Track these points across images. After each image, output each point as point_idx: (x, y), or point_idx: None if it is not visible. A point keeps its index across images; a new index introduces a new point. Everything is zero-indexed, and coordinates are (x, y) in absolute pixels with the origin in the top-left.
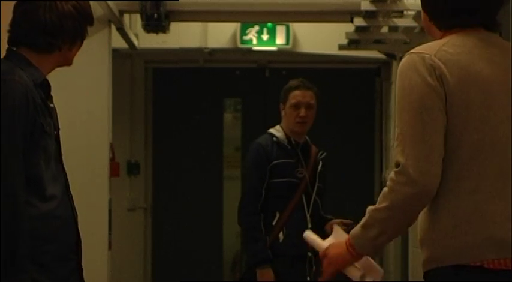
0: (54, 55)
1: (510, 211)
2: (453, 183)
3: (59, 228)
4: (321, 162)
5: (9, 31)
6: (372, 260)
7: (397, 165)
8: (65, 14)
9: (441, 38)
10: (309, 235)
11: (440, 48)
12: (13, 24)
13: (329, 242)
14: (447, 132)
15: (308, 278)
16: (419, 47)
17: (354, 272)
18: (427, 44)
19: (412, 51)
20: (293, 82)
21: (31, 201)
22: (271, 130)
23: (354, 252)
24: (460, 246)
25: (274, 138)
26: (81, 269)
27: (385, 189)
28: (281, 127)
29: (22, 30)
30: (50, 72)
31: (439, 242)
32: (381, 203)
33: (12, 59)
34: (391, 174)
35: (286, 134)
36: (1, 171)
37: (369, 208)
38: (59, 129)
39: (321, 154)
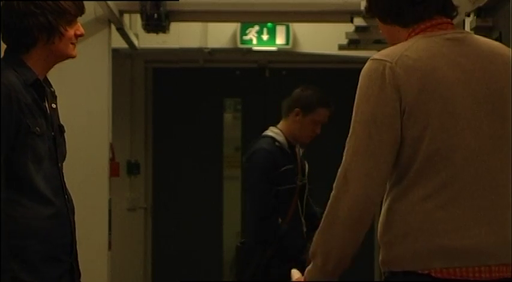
0: (35, 51)
1: (465, 219)
2: (408, 191)
3: (50, 229)
4: (306, 163)
5: None
6: None
7: (337, 177)
8: (24, 13)
9: (406, 39)
10: (294, 274)
11: (403, 54)
12: None
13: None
14: (404, 142)
15: None
16: (383, 52)
17: None
18: (390, 48)
19: (375, 56)
20: (322, 97)
21: (21, 201)
22: (271, 133)
23: None
24: (409, 253)
25: (277, 143)
26: (77, 271)
27: (327, 208)
28: (280, 130)
29: (2, 35)
30: (47, 69)
31: (391, 247)
32: (321, 224)
33: (7, 59)
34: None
35: (286, 139)
36: None
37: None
38: (60, 130)
39: (303, 153)
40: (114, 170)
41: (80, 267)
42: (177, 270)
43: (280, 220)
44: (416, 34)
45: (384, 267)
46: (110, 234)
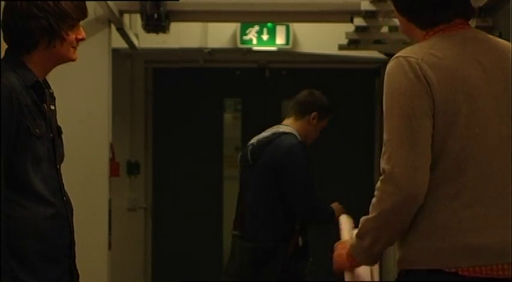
0: (36, 53)
1: (488, 218)
2: (433, 189)
3: (49, 229)
4: None
5: None
6: (368, 274)
7: (383, 172)
8: (27, 15)
9: (423, 38)
10: (343, 221)
11: (427, 52)
12: None
13: (348, 234)
14: (432, 139)
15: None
16: (406, 50)
17: (347, 277)
18: (413, 46)
19: (399, 54)
20: (329, 103)
21: (20, 201)
22: (291, 130)
23: (352, 259)
24: (435, 251)
25: (300, 140)
26: (76, 273)
27: (373, 199)
28: (296, 131)
29: (4, 36)
30: (47, 71)
31: (415, 245)
32: (371, 212)
33: (8, 60)
34: (378, 183)
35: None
36: None
37: (362, 218)
38: (58, 132)
39: None
40: (114, 170)
41: (80, 267)
42: (177, 270)
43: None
44: (434, 33)
45: (404, 265)
46: (110, 234)
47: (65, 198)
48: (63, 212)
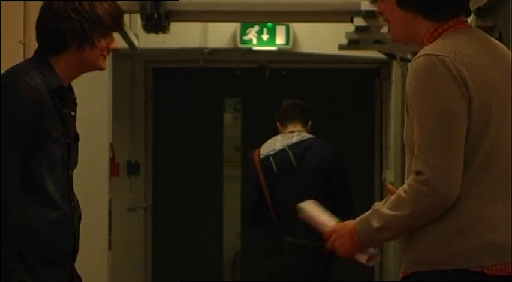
0: (65, 56)
1: (506, 215)
2: (462, 189)
3: (52, 233)
4: None
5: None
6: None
7: (418, 173)
8: (63, 17)
9: (431, 34)
10: (308, 209)
11: (456, 50)
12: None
13: (327, 220)
14: (465, 139)
15: None
16: (432, 48)
17: (360, 257)
18: (436, 44)
19: (426, 52)
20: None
21: (29, 202)
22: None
23: (361, 245)
24: (462, 251)
25: None
26: (77, 276)
27: (404, 195)
28: None
29: (36, 35)
30: (74, 77)
31: (439, 245)
32: (399, 209)
33: (36, 60)
34: (409, 181)
35: None
36: None
37: (382, 210)
38: (75, 138)
39: None
40: (114, 170)
41: (80, 267)
42: (177, 270)
43: None
44: (445, 30)
45: (424, 266)
46: (110, 234)
47: (72, 204)
48: (69, 218)
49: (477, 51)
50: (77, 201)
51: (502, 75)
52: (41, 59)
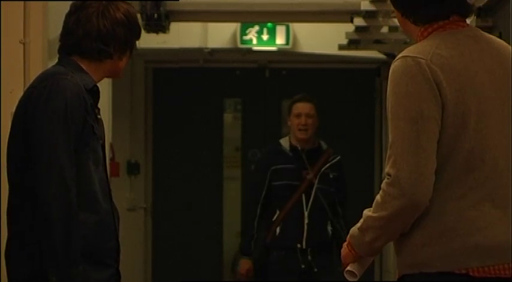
0: (106, 63)
1: (496, 217)
2: (442, 190)
3: (97, 233)
4: (328, 165)
5: (60, 40)
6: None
7: (388, 175)
8: (117, 21)
9: (421, 34)
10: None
11: (435, 52)
12: (65, 33)
13: None
14: (440, 141)
15: (303, 266)
16: (411, 50)
17: (350, 267)
18: (417, 45)
19: (404, 54)
20: (296, 97)
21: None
22: (280, 140)
23: (354, 251)
24: (445, 253)
25: (279, 147)
26: (120, 277)
27: (378, 197)
28: (288, 137)
29: (75, 39)
30: (99, 81)
31: (423, 248)
32: (375, 211)
33: (64, 64)
34: (382, 184)
35: (290, 143)
36: (54, 164)
37: (365, 213)
38: (104, 140)
39: (333, 158)
40: (114, 170)
41: None
42: (177, 270)
43: (278, 212)
44: (433, 31)
45: (410, 269)
46: None
47: (112, 203)
48: (109, 216)
49: (460, 52)
50: (115, 203)
51: (492, 75)
52: (68, 62)
